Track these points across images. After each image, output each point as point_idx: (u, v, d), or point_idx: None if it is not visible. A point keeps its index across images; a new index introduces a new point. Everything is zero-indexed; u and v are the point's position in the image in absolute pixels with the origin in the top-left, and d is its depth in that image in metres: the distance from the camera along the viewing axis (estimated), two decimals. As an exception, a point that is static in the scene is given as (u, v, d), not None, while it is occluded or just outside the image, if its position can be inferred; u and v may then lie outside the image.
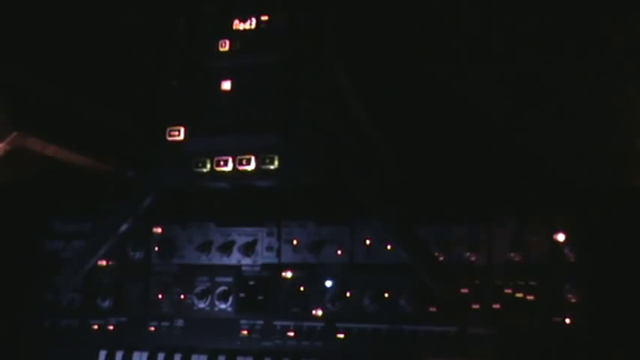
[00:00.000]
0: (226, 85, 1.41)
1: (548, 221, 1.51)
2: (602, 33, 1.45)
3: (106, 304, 1.74)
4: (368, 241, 1.60)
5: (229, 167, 1.38)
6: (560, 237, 1.50)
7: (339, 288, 1.61)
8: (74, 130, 1.70)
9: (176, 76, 1.43)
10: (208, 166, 1.39)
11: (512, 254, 1.51)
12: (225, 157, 1.39)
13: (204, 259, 1.70)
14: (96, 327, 1.75)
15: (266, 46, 1.39)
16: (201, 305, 1.68)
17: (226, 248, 1.67)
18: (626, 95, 1.53)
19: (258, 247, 1.67)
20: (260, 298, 1.65)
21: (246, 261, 1.67)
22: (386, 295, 1.58)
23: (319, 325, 1.61)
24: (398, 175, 1.73)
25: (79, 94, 1.72)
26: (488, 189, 1.60)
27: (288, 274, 1.65)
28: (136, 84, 1.79)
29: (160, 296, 1.72)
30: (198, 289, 1.68)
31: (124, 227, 1.47)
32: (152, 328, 1.72)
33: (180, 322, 1.70)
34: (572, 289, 1.48)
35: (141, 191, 1.45)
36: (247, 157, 1.37)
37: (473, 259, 1.54)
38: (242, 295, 1.66)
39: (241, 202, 1.70)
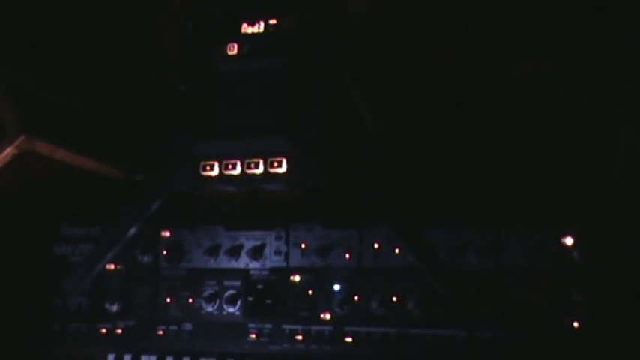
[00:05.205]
0: (235, 89, 1.41)
1: (556, 224, 1.50)
2: (609, 37, 1.45)
3: (115, 307, 1.74)
4: (376, 245, 1.60)
5: (237, 171, 1.38)
6: (568, 240, 1.49)
7: (347, 292, 1.61)
8: (83, 134, 1.71)
9: (185, 80, 1.43)
10: (217, 169, 1.40)
11: (520, 257, 1.51)
12: (233, 161, 1.39)
13: (212, 263, 1.70)
14: (104, 331, 1.75)
15: (274, 49, 1.39)
16: (210, 309, 1.68)
17: (234, 252, 1.67)
18: (634, 99, 1.52)
19: (267, 251, 1.67)
20: (268, 301, 1.65)
21: (255, 265, 1.67)
22: (394, 298, 1.57)
23: (327, 328, 1.61)
24: (405, 179, 1.73)
25: (88, 99, 1.73)
26: (496, 192, 1.60)
27: (297, 278, 1.65)
28: (145, 88, 1.80)
29: (168, 300, 1.72)
30: (206, 293, 1.68)
31: (132, 231, 1.48)
32: (160, 332, 1.72)
33: (188, 326, 1.70)
34: (581, 293, 1.47)
35: (149, 195, 1.45)
36: (255, 160, 1.37)
37: (481, 262, 1.53)
38: (250, 298, 1.66)
39: (249, 205, 1.70)
